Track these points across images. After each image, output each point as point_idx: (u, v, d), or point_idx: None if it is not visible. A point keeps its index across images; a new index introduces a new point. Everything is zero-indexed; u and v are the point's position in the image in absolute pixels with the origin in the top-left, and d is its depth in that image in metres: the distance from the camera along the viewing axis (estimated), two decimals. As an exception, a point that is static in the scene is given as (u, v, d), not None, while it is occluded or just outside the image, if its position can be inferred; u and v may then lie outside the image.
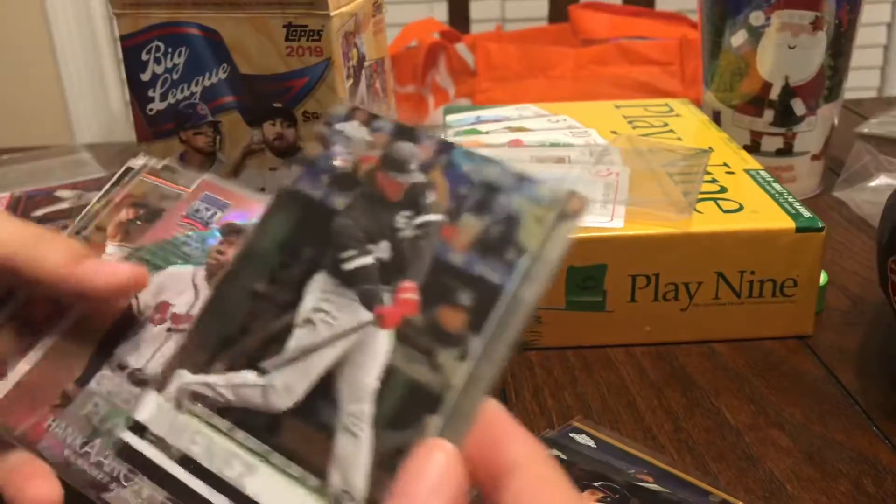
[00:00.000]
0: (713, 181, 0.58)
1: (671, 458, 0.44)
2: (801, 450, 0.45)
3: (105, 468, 0.32)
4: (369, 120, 0.30)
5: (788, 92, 0.70)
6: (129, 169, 0.43)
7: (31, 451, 0.33)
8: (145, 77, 0.55)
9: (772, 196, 0.56)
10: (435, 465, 0.25)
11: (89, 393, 0.34)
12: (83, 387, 0.34)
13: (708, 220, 0.53)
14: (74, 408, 0.34)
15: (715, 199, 0.55)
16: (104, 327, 0.35)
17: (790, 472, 0.43)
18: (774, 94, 0.70)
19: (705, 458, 0.44)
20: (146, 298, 0.36)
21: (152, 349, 0.34)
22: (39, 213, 0.72)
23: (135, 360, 0.34)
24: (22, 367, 0.35)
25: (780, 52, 0.69)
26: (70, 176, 0.85)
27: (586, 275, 0.52)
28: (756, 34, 0.69)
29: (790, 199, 0.55)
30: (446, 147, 0.29)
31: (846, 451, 0.45)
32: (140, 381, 0.34)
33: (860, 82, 2.09)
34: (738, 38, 0.70)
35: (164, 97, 0.55)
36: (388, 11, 0.62)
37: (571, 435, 0.44)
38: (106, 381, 0.34)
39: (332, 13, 0.51)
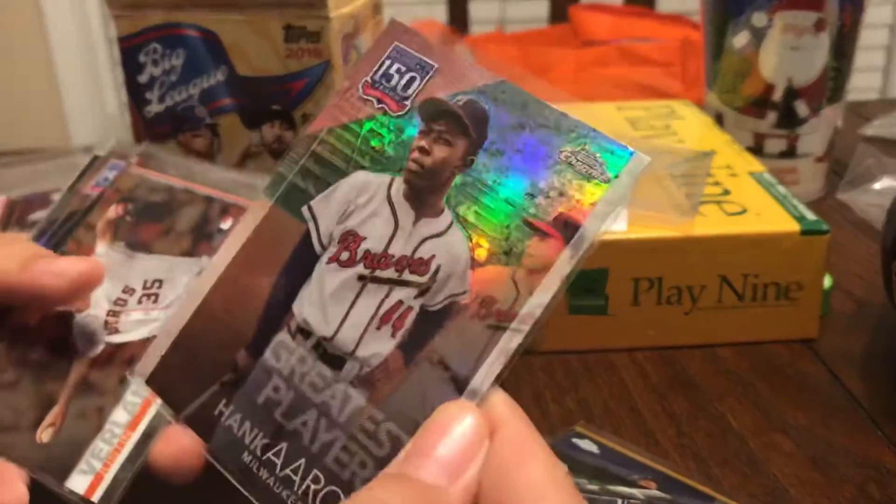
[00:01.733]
0: (716, 184, 0.58)
1: (674, 464, 0.43)
2: (806, 454, 0.44)
3: (297, 488, 0.24)
4: None
5: (791, 93, 0.70)
6: (97, 157, 0.42)
7: (201, 448, 0.26)
8: (143, 79, 0.54)
9: (776, 198, 0.55)
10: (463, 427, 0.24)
11: (266, 369, 0.25)
12: (257, 358, 0.25)
13: (711, 223, 0.52)
14: (249, 390, 0.25)
15: (718, 202, 0.55)
16: (274, 270, 0.26)
17: (794, 477, 0.42)
18: (777, 95, 0.70)
19: (708, 463, 0.44)
20: (327, 224, 0.25)
21: (343, 308, 0.24)
22: (36, 216, 0.71)
23: (320, 325, 0.25)
24: (176, 322, 0.27)
25: (783, 54, 0.68)
26: (66, 179, 0.84)
27: (588, 278, 0.51)
28: (759, 35, 0.69)
29: (794, 201, 0.55)
30: None
31: (851, 455, 0.44)
32: (331, 357, 0.25)
33: (863, 84, 2.09)
34: (740, 40, 0.70)
35: (161, 99, 0.55)
36: (387, 12, 0.62)
37: (574, 440, 0.43)
38: (284, 352, 0.25)
39: (331, 15, 0.51)
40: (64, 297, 0.33)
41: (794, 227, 0.52)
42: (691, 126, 0.70)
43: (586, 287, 0.51)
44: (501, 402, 0.25)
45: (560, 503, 0.23)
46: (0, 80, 1.94)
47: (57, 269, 0.33)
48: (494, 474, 0.24)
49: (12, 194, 0.77)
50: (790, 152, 0.72)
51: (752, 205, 0.54)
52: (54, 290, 0.33)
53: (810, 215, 0.53)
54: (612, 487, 0.39)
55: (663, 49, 1.23)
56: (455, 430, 0.23)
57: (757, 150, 0.72)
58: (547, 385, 0.50)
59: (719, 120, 0.74)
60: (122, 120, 2.03)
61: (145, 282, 0.36)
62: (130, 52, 0.54)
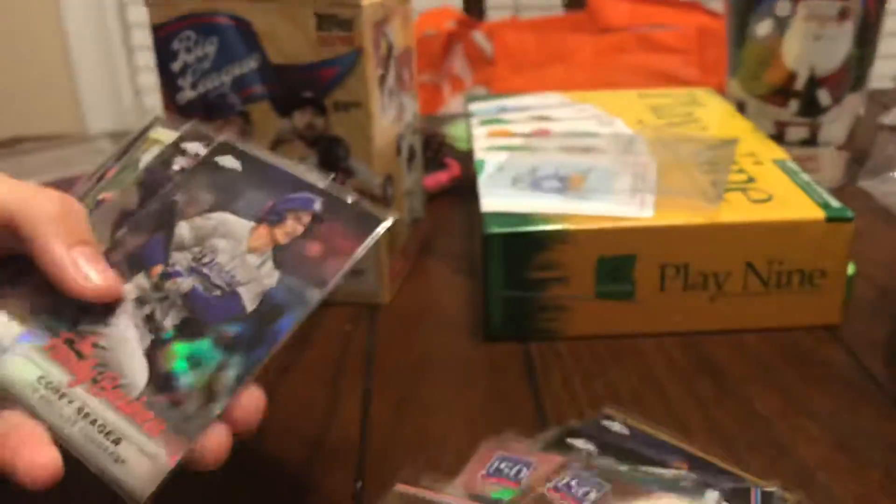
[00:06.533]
0: (741, 171, 0.58)
1: (703, 447, 0.44)
2: (832, 438, 0.45)
3: None
4: None
5: (814, 82, 0.70)
6: (149, 127, 0.43)
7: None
8: (176, 67, 0.55)
9: (800, 186, 0.56)
10: None
11: None
12: None
13: (737, 211, 0.53)
14: None
15: (743, 189, 0.55)
16: None
17: (821, 461, 0.43)
18: (800, 84, 0.70)
19: (737, 447, 0.44)
20: None
21: None
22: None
23: None
24: None
25: (807, 43, 0.69)
26: (91, 164, 0.85)
27: (616, 265, 0.52)
28: (782, 24, 0.69)
29: (818, 189, 0.55)
30: None
31: (876, 439, 0.45)
32: None
33: (884, 71, 2.07)
34: (763, 28, 0.70)
35: (194, 87, 0.55)
36: (414, 1, 0.62)
37: (604, 423, 0.44)
38: None
39: (363, 3, 0.51)
40: (80, 296, 0.35)
41: (819, 214, 0.52)
42: (714, 114, 0.71)
43: (614, 273, 0.52)
44: None
45: None
46: (16, 67, 1.95)
47: (89, 277, 0.35)
48: None
49: (43, 179, 0.78)
50: (811, 140, 0.72)
51: (777, 192, 0.55)
52: (75, 292, 0.35)
53: (835, 203, 0.53)
54: (643, 468, 0.40)
55: (680, 36, 1.23)
56: None
57: (778, 137, 0.73)
58: (575, 369, 0.51)
59: (741, 108, 0.74)
60: (135, 106, 2.04)
61: None
62: (164, 39, 0.55)
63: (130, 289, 0.37)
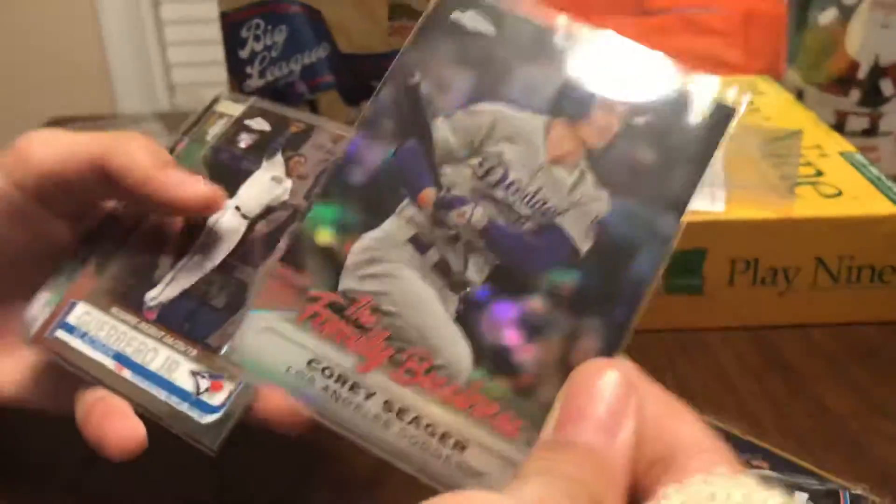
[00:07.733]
0: (808, 164, 0.58)
1: (778, 444, 0.44)
2: (909, 438, 0.45)
3: None
4: None
5: (877, 72, 0.69)
6: (215, 102, 0.43)
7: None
8: (244, 54, 0.55)
9: (870, 180, 0.55)
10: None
11: None
12: None
13: (809, 206, 0.52)
14: None
15: (813, 184, 0.55)
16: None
17: (899, 461, 0.43)
18: (862, 73, 0.69)
19: (811, 445, 0.44)
20: None
21: None
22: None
23: None
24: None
25: (872, 32, 0.68)
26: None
27: (686, 259, 0.52)
28: (847, 12, 0.68)
29: (889, 183, 0.55)
30: None
31: (954, 440, 0.45)
32: None
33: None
34: (827, 16, 0.69)
35: (262, 74, 0.55)
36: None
37: (681, 420, 0.44)
38: None
39: (435, -7, 0.51)
40: (183, 210, 0.34)
41: (892, 210, 0.52)
42: (774, 103, 0.70)
43: (684, 267, 0.52)
44: (630, 364, 0.25)
45: (723, 456, 0.23)
46: (47, 46, 1.95)
47: (190, 181, 0.34)
48: (653, 428, 0.24)
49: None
50: (872, 131, 0.71)
51: (847, 187, 0.54)
52: (186, 203, 0.33)
53: (907, 198, 0.53)
54: (725, 468, 0.40)
55: (725, 19, 1.21)
56: (602, 388, 0.24)
57: (838, 127, 0.72)
58: (643, 363, 0.51)
59: (800, 96, 0.74)
60: (165, 86, 2.04)
61: None
62: (233, 26, 0.55)
63: (398, 224, 0.26)
